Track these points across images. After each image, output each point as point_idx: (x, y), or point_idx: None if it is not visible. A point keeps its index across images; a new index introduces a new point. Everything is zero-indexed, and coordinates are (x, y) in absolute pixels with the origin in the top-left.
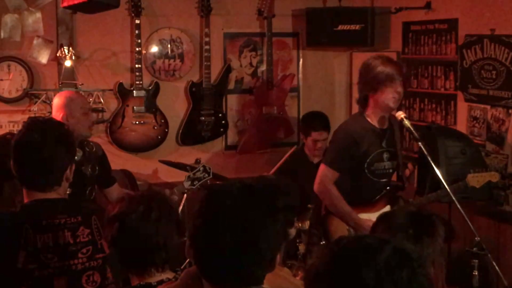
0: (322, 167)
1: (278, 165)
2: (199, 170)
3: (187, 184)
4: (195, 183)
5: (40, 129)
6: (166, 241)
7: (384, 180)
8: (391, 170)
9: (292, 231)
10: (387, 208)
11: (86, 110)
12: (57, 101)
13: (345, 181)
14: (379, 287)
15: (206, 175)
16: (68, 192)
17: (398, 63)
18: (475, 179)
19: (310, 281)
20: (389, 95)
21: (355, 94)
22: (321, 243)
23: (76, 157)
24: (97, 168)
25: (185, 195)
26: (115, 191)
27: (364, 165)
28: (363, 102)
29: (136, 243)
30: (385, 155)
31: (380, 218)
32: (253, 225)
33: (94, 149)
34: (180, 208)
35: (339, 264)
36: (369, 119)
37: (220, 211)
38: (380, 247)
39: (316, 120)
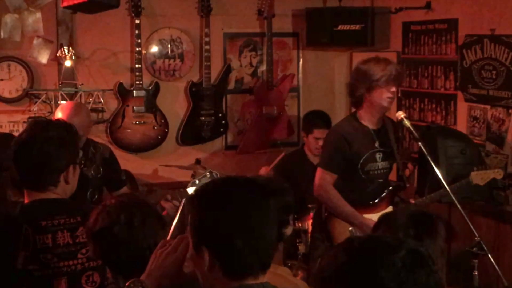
0: (319, 171)
1: (271, 166)
2: (205, 176)
3: (191, 190)
4: None
5: (37, 129)
6: (155, 240)
7: (380, 180)
8: (385, 170)
9: (288, 230)
10: (389, 209)
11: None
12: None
13: (341, 184)
14: (398, 287)
15: None
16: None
17: (391, 63)
18: (479, 177)
19: (321, 284)
20: (384, 95)
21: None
22: (324, 245)
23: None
24: (101, 170)
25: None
26: None
27: (358, 166)
28: (358, 103)
29: (126, 251)
30: (377, 155)
31: (382, 218)
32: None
33: (101, 150)
34: (180, 208)
35: (355, 264)
36: (362, 120)
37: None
38: (397, 246)
39: (318, 118)
